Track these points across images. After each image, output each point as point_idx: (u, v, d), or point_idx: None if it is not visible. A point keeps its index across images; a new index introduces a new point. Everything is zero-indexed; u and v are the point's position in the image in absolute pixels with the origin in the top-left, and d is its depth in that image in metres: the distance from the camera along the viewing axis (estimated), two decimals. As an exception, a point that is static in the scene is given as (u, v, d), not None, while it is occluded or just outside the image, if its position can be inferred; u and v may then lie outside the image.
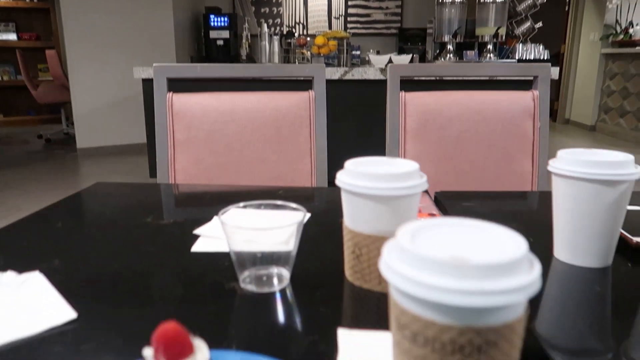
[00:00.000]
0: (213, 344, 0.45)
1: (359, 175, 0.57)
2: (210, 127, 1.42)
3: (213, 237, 0.77)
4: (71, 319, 0.53)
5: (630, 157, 0.63)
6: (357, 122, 3.02)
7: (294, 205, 0.63)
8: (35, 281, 0.61)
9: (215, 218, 0.86)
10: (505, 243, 0.35)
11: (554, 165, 0.66)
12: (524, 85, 1.50)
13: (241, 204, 0.64)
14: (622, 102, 6.11)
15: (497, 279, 0.32)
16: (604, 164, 0.62)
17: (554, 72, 2.50)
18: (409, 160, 0.62)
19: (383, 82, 2.71)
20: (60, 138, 5.93)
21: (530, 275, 0.33)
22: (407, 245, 0.35)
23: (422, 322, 0.34)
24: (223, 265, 0.68)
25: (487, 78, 2.57)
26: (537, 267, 0.34)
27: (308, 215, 0.89)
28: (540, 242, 0.73)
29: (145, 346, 0.39)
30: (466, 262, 0.32)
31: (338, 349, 0.48)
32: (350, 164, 0.60)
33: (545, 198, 1.05)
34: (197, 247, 0.74)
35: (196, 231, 0.80)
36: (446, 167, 1.48)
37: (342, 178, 0.59)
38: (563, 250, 0.68)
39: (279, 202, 0.64)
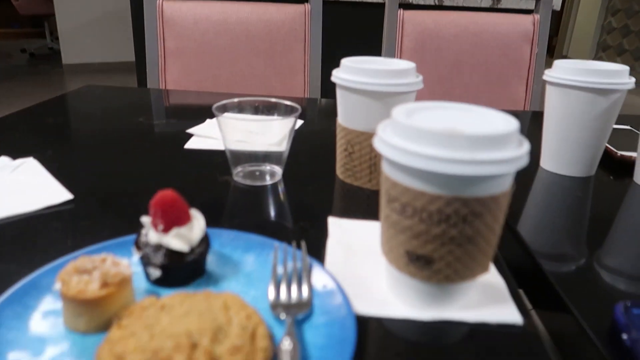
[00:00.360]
0: (207, 225, 0.46)
1: (354, 71, 0.57)
2: (202, 38, 1.38)
3: (206, 136, 0.77)
4: (67, 200, 0.54)
5: (624, 68, 0.63)
6: (352, 46, 2.94)
7: (288, 102, 0.63)
8: (30, 166, 0.61)
9: (207, 120, 0.86)
10: (497, 121, 0.36)
11: (549, 74, 0.66)
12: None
13: (235, 100, 0.63)
14: (621, 40, 6.01)
15: (488, 150, 0.33)
16: (597, 72, 0.62)
17: (557, 1, 2.43)
18: (406, 60, 0.61)
19: (381, 6, 2.62)
20: (44, 53, 5.74)
21: (518, 150, 0.34)
22: (402, 119, 0.35)
23: (412, 193, 0.35)
24: (216, 161, 0.69)
25: (489, 5, 2.49)
26: (525, 145, 0.35)
27: (301, 121, 0.89)
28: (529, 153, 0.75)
29: (142, 216, 0.41)
30: (459, 133, 0.33)
31: (328, 233, 0.50)
32: (347, 60, 0.59)
33: (536, 117, 1.06)
34: (190, 145, 0.74)
35: (189, 130, 0.80)
36: (440, 90, 1.47)
37: (338, 74, 0.58)
38: (550, 159, 0.70)
39: (273, 100, 0.64)
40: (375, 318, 0.39)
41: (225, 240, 0.45)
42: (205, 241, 0.41)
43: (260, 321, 0.34)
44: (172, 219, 0.38)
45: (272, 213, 0.56)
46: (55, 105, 0.95)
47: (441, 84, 1.46)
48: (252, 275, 0.42)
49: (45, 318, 0.35)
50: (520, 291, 0.46)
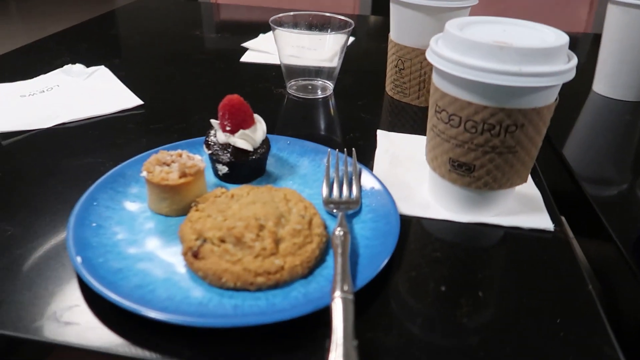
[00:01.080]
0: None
1: (410, -15, 0.57)
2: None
3: (261, 50, 0.80)
4: (138, 105, 0.60)
5: (695, -14, 0.60)
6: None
7: (341, 17, 0.64)
8: (103, 73, 0.67)
9: (261, 35, 0.88)
10: (547, 35, 0.38)
11: (612, -8, 0.64)
12: None
13: (291, 14, 0.65)
14: None
15: (534, 63, 0.35)
16: (665, -10, 0.60)
17: None
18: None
19: None
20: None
21: (565, 64, 0.36)
22: (454, 32, 0.37)
23: (459, 103, 0.38)
24: (271, 74, 0.72)
25: None
26: (573, 60, 0.36)
27: (352, 38, 0.90)
28: (582, 76, 0.74)
29: (212, 119, 0.45)
30: (508, 46, 0.35)
31: (377, 144, 0.54)
32: (402, -26, 0.59)
33: (595, 40, 1.02)
34: (245, 58, 0.77)
35: (244, 44, 0.83)
36: (495, 11, 1.41)
37: (393, -12, 0.59)
38: (603, 82, 0.69)
39: (327, 14, 0.66)
40: (417, 218, 0.43)
41: (283, 145, 0.50)
42: (266, 143, 0.45)
43: (316, 212, 0.39)
44: (239, 121, 0.42)
45: (324, 125, 0.59)
46: (114, 18, 0.99)
47: (496, 4, 1.40)
48: (307, 176, 0.46)
49: (133, 201, 0.41)
50: (563, 218, 0.48)
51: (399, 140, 0.55)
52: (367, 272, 0.34)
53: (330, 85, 0.67)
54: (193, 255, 0.34)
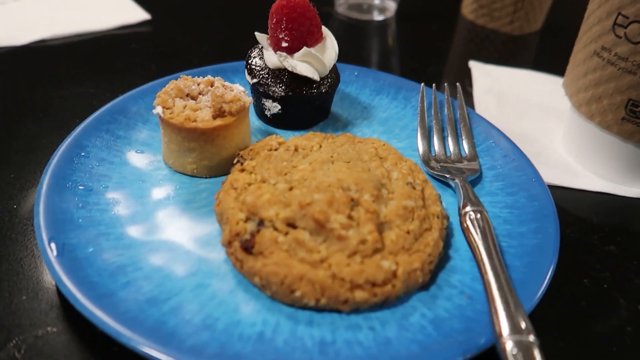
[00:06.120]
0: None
1: None
2: None
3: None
4: (144, 20, 0.44)
5: None
6: None
7: None
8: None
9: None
10: None
11: None
12: None
13: None
14: None
15: None
16: None
17: None
18: None
19: None
20: None
21: None
22: None
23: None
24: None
25: None
26: None
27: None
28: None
29: (256, 32, 0.30)
30: None
31: (472, 81, 0.39)
32: None
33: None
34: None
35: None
36: None
37: None
38: None
39: None
40: (560, 189, 0.30)
41: (348, 77, 0.35)
42: (334, 71, 0.31)
43: (427, 179, 0.25)
44: (302, 34, 0.27)
45: (389, 54, 0.44)
46: None
47: None
48: (390, 122, 0.32)
49: (141, 151, 0.27)
50: None
51: (503, 75, 0.40)
52: (530, 286, 0.21)
53: (391, 5, 0.51)
54: (243, 247, 0.20)
